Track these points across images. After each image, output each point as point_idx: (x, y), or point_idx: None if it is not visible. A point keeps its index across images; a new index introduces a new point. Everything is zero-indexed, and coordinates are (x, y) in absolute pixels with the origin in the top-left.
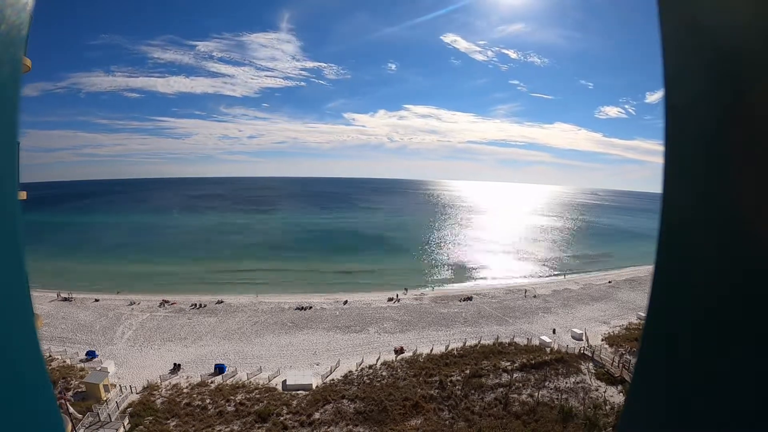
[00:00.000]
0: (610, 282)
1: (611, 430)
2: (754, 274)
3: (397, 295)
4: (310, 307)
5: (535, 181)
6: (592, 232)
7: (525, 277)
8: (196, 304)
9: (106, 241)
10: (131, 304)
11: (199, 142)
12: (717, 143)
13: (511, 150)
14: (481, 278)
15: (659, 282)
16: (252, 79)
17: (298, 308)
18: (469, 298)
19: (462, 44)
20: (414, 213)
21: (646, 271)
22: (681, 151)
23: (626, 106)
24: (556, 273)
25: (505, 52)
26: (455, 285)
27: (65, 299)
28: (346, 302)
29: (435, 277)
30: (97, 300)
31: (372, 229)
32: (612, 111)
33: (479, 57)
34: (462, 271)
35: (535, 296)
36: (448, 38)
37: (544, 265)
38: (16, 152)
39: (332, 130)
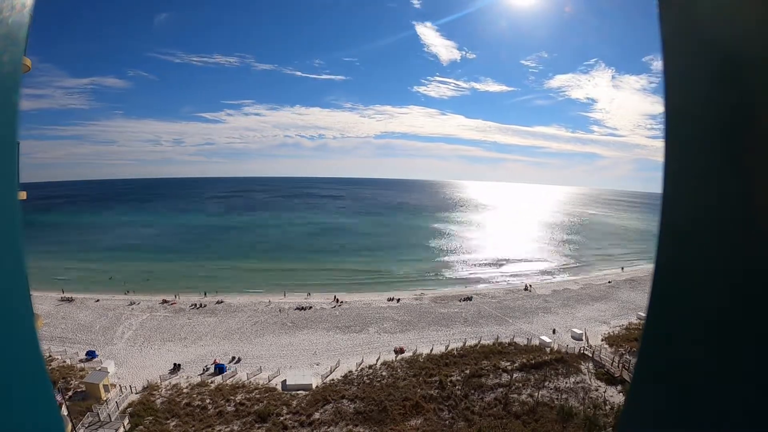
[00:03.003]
0: (610, 282)
1: (611, 430)
2: (754, 274)
3: (412, 292)
4: (310, 307)
5: (486, 178)
6: (587, 231)
7: (525, 276)
8: (196, 304)
9: (105, 241)
10: (131, 304)
11: (131, 147)
12: (717, 144)
13: (435, 144)
14: (481, 278)
15: (659, 282)
16: (67, 95)
17: (298, 308)
18: (469, 298)
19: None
20: (406, 211)
21: (646, 271)
22: (681, 152)
23: (452, 79)
24: (555, 273)
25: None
26: (455, 285)
27: (65, 299)
28: (346, 302)
29: (435, 277)
30: (97, 300)
31: (371, 228)
32: (445, 89)
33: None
34: (462, 272)
35: (535, 296)
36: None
37: (543, 264)
38: (16, 152)
39: (220, 129)
